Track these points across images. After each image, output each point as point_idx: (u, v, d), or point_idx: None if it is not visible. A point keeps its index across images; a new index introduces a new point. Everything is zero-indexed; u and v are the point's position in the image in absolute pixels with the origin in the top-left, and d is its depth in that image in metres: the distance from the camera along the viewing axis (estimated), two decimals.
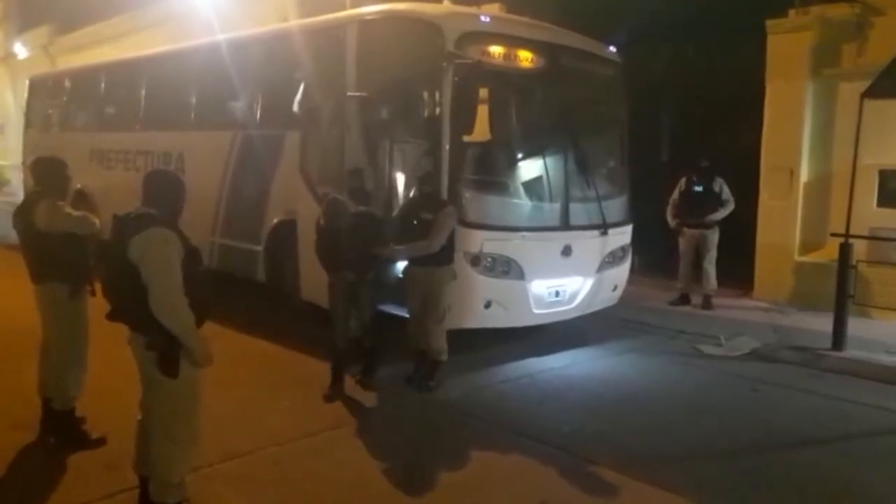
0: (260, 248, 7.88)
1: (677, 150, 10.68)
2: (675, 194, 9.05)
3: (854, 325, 7.09)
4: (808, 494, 4.33)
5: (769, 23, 9.17)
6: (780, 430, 5.30)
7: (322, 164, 7.14)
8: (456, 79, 6.01)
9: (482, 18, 6.60)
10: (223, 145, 8.48)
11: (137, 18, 17.58)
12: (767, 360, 7.05)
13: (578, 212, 6.81)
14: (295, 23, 8.93)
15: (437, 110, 6.17)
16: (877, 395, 6.03)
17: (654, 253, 9.16)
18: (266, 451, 4.53)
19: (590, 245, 6.94)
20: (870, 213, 8.27)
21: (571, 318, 7.12)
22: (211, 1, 13.52)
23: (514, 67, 6.53)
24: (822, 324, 7.23)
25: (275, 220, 7.71)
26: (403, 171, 6.79)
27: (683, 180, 9.00)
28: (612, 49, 7.57)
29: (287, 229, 7.43)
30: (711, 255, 8.90)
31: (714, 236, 8.89)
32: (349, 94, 6.82)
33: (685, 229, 9.00)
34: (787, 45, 9.07)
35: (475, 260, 6.19)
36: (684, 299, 9.14)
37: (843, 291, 6.97)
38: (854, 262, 7.09)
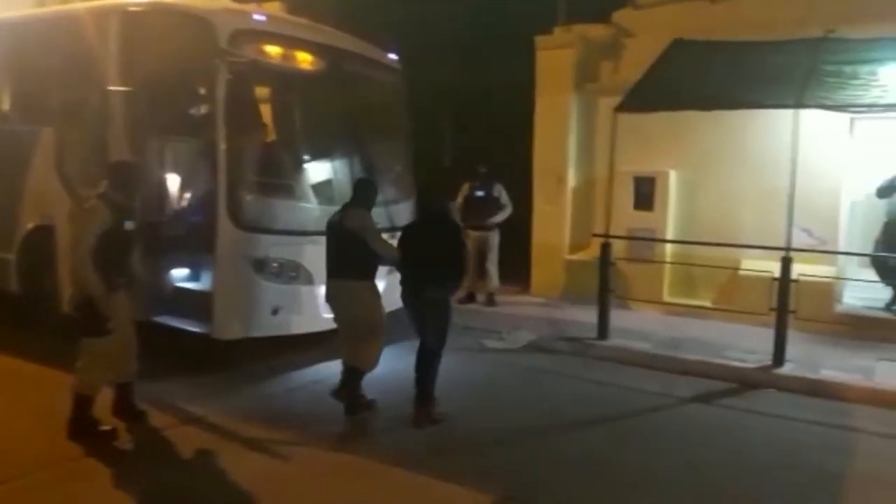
0: (12, 256, 7.06)
1: (459, 157, 11.13)
2: (459, 199, 9.44)
3: (616, 317, 7.77)
4: (585, 473, 4.62)
5: (537, 39, 9.90)
6: (557, 415, 5.69)
7: (82, 163, 6.55)
8: (229, 77, 5.77)
9: (256, 17, 6.39)
10: None
11: None
12: (543, 350, 7.59)
13: None
14: (51, 9, 8.07)
15: (211, 109, 5.91)
16: (638, 379, 6.67)
17: None
18: (30, 478, 4.18)
19: None
20: (627, 216, 9.12)
21: None
22: None
23: (292, 68, 6.44)
24: (590, 316, 7.84)
25: (29, 226, 6.92)
26: (176, 171, 6.39)
27: (466, 186, 9.44)
28: (393, 56, 7.71)
29: (43, 235, 6.72)
30: (493, 256, 9.42)
31: (495, 238, 9.41)
32: (110, 88, 6.33)
33: (469, 231, 9.37)
34: (554, 60, 9.84)
35: (259, 265, 6.00)
36: (470, 297, 9.53)
37: (604, 286, 7.63)
38: (613, 260, 7.79)
